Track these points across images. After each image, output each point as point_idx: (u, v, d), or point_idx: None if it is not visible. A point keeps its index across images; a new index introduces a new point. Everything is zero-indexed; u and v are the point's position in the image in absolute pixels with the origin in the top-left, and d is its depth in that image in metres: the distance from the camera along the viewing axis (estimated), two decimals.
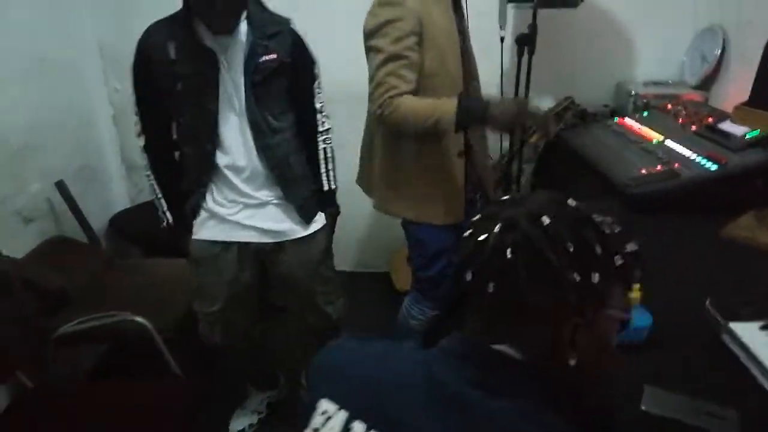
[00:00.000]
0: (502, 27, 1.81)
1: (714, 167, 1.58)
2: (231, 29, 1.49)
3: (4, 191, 1.89)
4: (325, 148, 1.76)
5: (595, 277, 0.63)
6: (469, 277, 0.66)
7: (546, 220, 0.64)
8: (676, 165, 1.66)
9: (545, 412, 0.61)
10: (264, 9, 1.60)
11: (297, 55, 1.61)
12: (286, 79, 1.61)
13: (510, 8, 2.00)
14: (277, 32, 1.58)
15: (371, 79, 1.55)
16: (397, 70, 1.49)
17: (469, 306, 0.70)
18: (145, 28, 1.54)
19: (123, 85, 2.57)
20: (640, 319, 1.04)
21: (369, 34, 1.53)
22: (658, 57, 2.58)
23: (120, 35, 2.47)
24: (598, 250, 0.64)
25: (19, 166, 1.97)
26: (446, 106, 1.46)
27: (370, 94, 1.57)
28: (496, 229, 0.65)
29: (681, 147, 1.77)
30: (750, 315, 1.05)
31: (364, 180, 1.89)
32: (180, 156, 1.68)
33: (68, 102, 2.29)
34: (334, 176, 1.80)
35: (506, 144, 2.33)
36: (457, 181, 1.69)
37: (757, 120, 1.44)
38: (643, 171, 1.69)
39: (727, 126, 1.77)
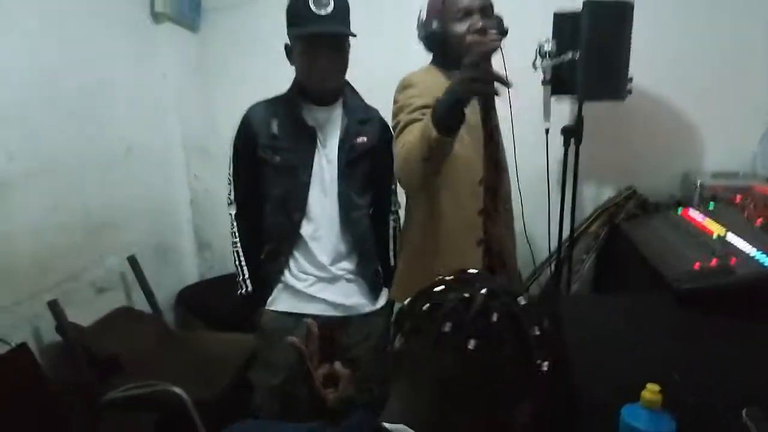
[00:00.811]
0: (546, 119, 1.83)
1: None
2: (335, 100, 1.70)
3: (83, 263, 2.09)
4: (394, 227, 1.88)
5: (545, 366, 0.67)
6: (447, 328, 0.68)
7: (522, 300, 0.70)
8: (733, 260, 1.55)
9: None
10: (358, 97, 1.77)
11: (384, 141, 1.74)
12: (370, 163, 1.75)
13: (557, 99, 2.03)
14: (369, 118, 1.75)
15: (399, 146, 1.53)
16: (413, 130, 1.48)
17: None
18: (225, 124, 1.76)
19: (202, 173, 2.84)
20: (661, 424, 0.95)
21: (393, 115, 1.59)
22: (728, 147, 2.48)
23: (202, 129, 2.77)
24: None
25: (99, 240, 2.17)
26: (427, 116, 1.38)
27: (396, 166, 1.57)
28: (482, 292, 0.70)
29: (742, 242, 1.66)
30: None
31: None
32: (263, 226, 1.79)
33: (150, 185, 2.54)
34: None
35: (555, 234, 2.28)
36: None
37: None
38: (697, 266, 1.59)
39: None
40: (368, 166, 1.76)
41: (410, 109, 1.53)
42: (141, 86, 2.47)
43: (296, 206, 1.70)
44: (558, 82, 1.96)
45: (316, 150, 1.68)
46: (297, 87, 1.70)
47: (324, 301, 1.76)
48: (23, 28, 1.86)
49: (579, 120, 1.92)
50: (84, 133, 2.11)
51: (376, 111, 1.80)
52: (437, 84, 1.59)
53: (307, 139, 1.67)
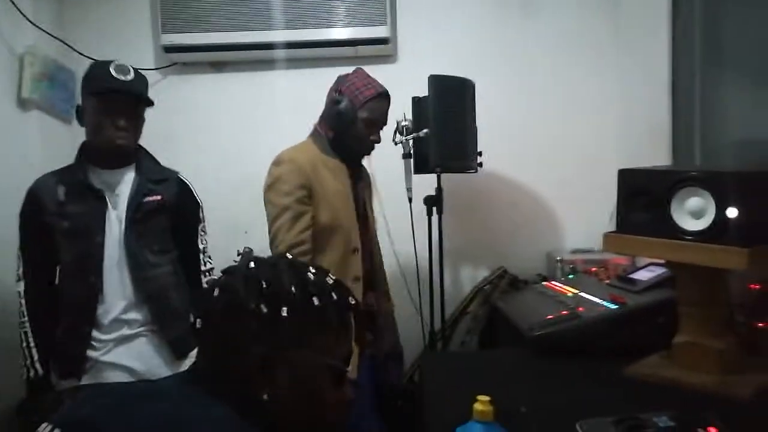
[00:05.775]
0: (408, 189, 1.96)
1: (613, 307, 1.56)
2: (125, 164, 1.72)
3: None
4: None
5: (284, 311, 0.72)
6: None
7: (252, 264, 0.79)
8: (580, 309, 1.63)
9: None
10: (154, 161, 1.81)
11: (182, 199, 1.79)
12: (169, 219, 1.75)
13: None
14: (164, 179, 1.77)
15: (269, 230, 1.71)
16: (287, 222, 1.65)
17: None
18: None
19: None
20: None
21: (264, 191, 1.74)
22: (585, 228, 2.70)
23: None
24: (292, 289, 0.75)
25: None
26: None
27: (270, 243, 1.69)
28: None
29: (590, 296, 1.76)
30: None
31: None
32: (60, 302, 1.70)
33: None
34: None
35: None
36: None
37: (626, 245, 1.47)
38: (549, 316, 1.66)
39: (636, 274, 1.79)
40: (165, 223, 1.76)
41: (282, 192, 1.69)
42: (3, 174, 2.34)
43: (92, 269, 1.65)
44: (421, 161, 2.10)
45: (107, 211, 1.67)
46: (83, 153, 1.73)
47: (122, 367, 1.65)
48: None
49: (438, 189, 2.04)
50: None
51: (174, 172, 1.84)
52: (310, 160, 1.74)
53: (96, 202, 1.67)
